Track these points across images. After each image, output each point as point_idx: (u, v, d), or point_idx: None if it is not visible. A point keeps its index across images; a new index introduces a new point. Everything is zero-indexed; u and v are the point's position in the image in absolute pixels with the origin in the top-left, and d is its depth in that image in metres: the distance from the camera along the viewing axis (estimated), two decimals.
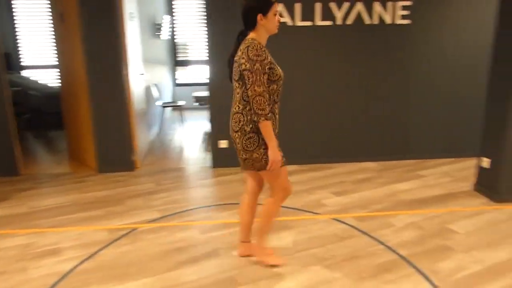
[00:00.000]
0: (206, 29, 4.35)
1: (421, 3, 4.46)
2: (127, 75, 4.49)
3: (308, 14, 4.40)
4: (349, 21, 4.43)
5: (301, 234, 3.09)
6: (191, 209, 3.59)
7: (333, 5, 4.37)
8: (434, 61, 4.65)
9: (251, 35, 2.33)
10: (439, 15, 4.51)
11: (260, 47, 2.24)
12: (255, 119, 2.26)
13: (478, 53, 4.66)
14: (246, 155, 2.37)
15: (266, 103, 2.25)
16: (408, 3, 4.44)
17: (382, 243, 2.93)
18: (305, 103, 4.65)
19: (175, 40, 8.78)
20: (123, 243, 2.99)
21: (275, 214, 2.58)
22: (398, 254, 2.78)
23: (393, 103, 4.73)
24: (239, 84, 2.34)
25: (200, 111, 8.56)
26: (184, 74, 9.14)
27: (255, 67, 2.21)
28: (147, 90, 6.00)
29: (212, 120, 4.62)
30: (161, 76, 7.54)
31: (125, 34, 4.44)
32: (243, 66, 2.24)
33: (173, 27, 8.65)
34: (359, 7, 4.39)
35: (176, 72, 9.01)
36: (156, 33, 7.09)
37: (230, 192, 4.00)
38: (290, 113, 4.61)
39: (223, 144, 4.67)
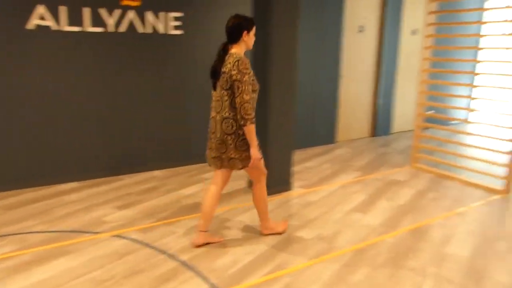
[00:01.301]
0: None
1: (192, 15, 4.69)
2: None
3: (76, 19, 4.08)
4: (122, 28, 4.32)
5: (78, 258, 2.83)
6: None
7: (103, 11, 4.18)
8: (206, 71, 4.95)
9: (234, 48, 2.74)
10: (207, 27, 4.83)
11: (247, 61, 2.65)
12: (242, 123, 2.65)
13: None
14: (236, 155, 2.77)
15: (252, 109, 2.66)
16: (179, 14, 4.61)
17: (163, 252, 2.94)
18: (76, 113, 4.28)
19: None
20: None
21: (265, 195, 3.11)
22: (179, 260, 2.83)
23: (172, 110, 4.83)
24: (228, 92, 2.69)
25: None
26: None
27: (244, 78, 2.62)
28: None
29: None
30: None
31: None
32: (234, 77, 2.62)
33: None
34: (131, 15, 4.33)
35: None
36: None
37: None
38: (60, 125, 4.21)
39: None
